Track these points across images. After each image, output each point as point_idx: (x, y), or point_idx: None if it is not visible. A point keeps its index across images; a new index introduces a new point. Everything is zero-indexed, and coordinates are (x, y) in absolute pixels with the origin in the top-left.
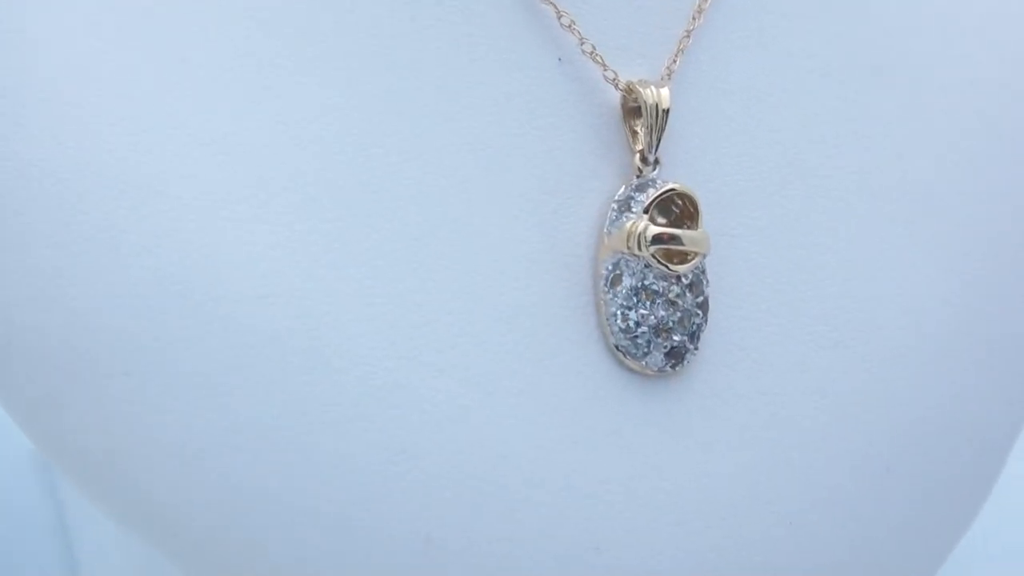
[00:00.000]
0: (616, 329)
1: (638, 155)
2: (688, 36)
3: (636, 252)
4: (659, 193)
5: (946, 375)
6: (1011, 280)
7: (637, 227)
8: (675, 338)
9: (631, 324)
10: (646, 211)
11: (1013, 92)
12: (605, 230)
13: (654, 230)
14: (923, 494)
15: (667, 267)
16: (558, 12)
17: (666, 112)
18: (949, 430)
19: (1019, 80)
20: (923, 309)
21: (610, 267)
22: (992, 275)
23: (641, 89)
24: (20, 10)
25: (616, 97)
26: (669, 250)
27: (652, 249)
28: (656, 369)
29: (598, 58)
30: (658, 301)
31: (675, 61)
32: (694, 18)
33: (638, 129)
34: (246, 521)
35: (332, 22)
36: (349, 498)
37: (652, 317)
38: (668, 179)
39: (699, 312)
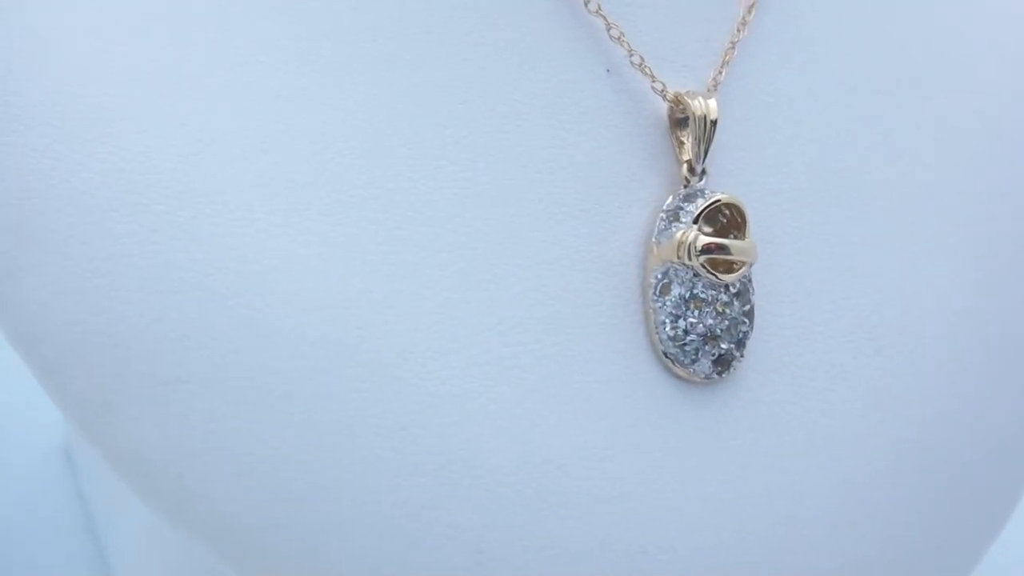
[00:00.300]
0: (665, 337)
1: (685, 165)
2: (733, 48)
3: (686, 262)
4: (708, 204)
5: (978, 376)
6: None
7: (687, 237)
8: (723, 346)
9: (680, 332)
10: (695, 221)
11: (1015, 92)
12: (654, 239)
13: (703, 240)
14: (958, 495)
15: (716, 276)
16: (608, 24)
17: (714, 123)
18: (981, 431)
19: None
20: (956, 312)
21: (659, 276)
22: (1014, 274)
23: (689, 100)
24: (46, 17)
25: (663, 108)
26: (716, 259)
27: (701, 259)
28: (703, 376)
29: (647, 69)
30: (707, 310)
31: (720, 72)
32: (738, 30)
33: (684, 139)
34: (302, 527)
35: (377, 23)
36: (405, 506)
37: (701, 325)
38: (715, 189)
39: (745, 320)
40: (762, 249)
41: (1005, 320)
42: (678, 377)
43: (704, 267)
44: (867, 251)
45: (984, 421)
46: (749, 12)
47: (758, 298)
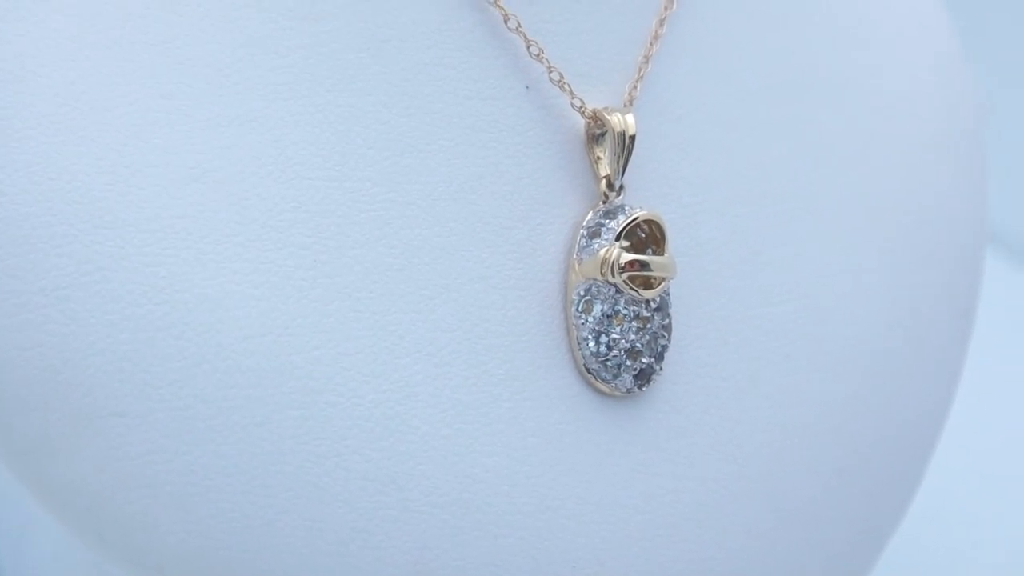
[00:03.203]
0: (588, 353)
1: (604, 181)
2: (647, 62)
3: (608, 279)
4: (629, 220)
5: (885, 380)
6: (941, 290)
7: (610, 255)
8: (644, 360)
9: (603, 348)
10: (617, 239)
11: (946, 102)
12: (575, 256)
13: (626, 257)
14: (867, 493)
15: (638, 292)
16: (527, 41)
17: (632, 138)
18: (887, 431)
19: (952, 91)
20: (866, 319)
21: (581, 292)
22: (926, 285)
23: (608, 116)
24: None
25: (582, 124)
26: (637, 275)
27: (624, 276)
28: (625, 391)
29: (565, 86)
30: (629, 325)
31: (636, 87)
32: (651, 44)
33: (602, 155)
34: (242, 555)
35: (301, 46)
36: (341, 531)
37: (623, 341)
38: (634, 204)
39: (665, 334)
40: (679, 262)
41: (913, 324)
42: (600, 392)
43: (627, 284)
44: (779, 260)
45: (894, 422)
46: (661, 26)
47: (675, 311)
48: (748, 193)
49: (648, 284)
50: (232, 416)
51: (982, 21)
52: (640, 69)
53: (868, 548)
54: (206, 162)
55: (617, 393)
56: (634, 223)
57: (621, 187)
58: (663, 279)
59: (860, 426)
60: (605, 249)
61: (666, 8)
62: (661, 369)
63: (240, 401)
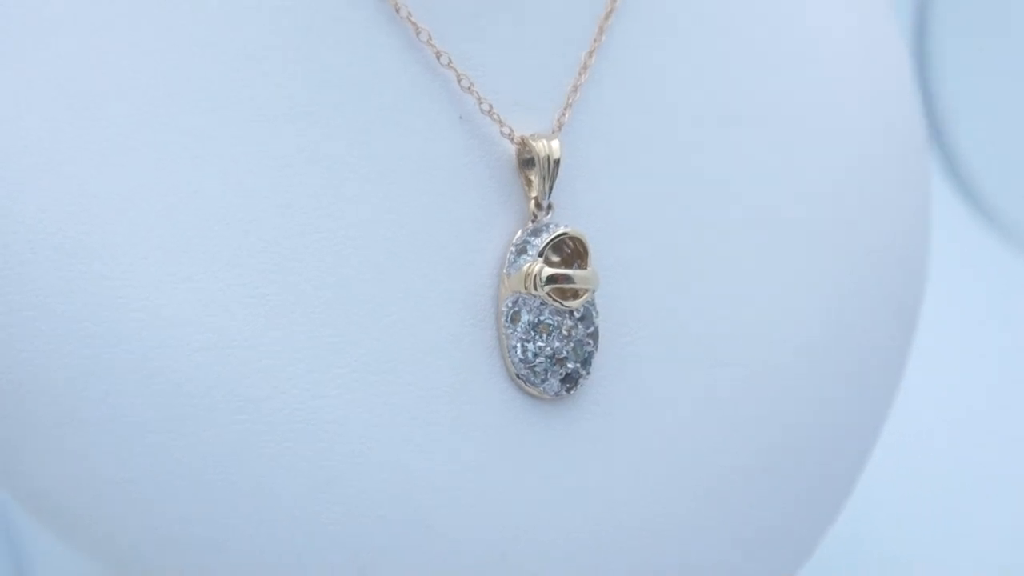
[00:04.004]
0: (516, 360)
1: (532, 202)
2: (576, 91)
3: (532, 292)
4: (552, 237)
5: (815, 384)
6: (869, 302)
7: (533, 269)
8: (569, 365)
9: (529, 355)
10: (540, 254)
11: (888, 116)
12: (505, 271)
13: (548, 271)
14: (798, 495)
15: (560, 303)
16: (458, 76)
17: (556, 162)
18: (819, 434)
19: (895, 104)
20: (793, 327)
21: (510, 304)
22: (853, 297)
23: (534, 142)
24: None
25: (512, 150)
26: (562, 288)
27: (546, 288)
28: (553, 394)
29: (495, 116)
30: (553, 334)
31: (564, 115)
32: (580, 74)
33: (532, 178)
34: (194, 553)
35: (251, 84)
36: (287, 529)
37: (548, 348)
38: (560, 223)
39: (590, 341)
40: (606, 276)
41: (849, 331)
42: (530, 395)
43: (550, 296)
44: (707, 272)
45: (826, 425)
46: (590, 57)
47: (603, 320)
48: (675, 211)
49: (575, 296)
50: (178, 424)
51: (984, 20)
52: (568, 98)
53: (797, 548)
54: (161, 190)
55: (546, 396)
56: (558, 239)
57: (550, 207)
58: (586, 291)
59: (791, 428)
60: (528, 264)
61: (595, 40)
62: (588, 374)
63: (190, 410)
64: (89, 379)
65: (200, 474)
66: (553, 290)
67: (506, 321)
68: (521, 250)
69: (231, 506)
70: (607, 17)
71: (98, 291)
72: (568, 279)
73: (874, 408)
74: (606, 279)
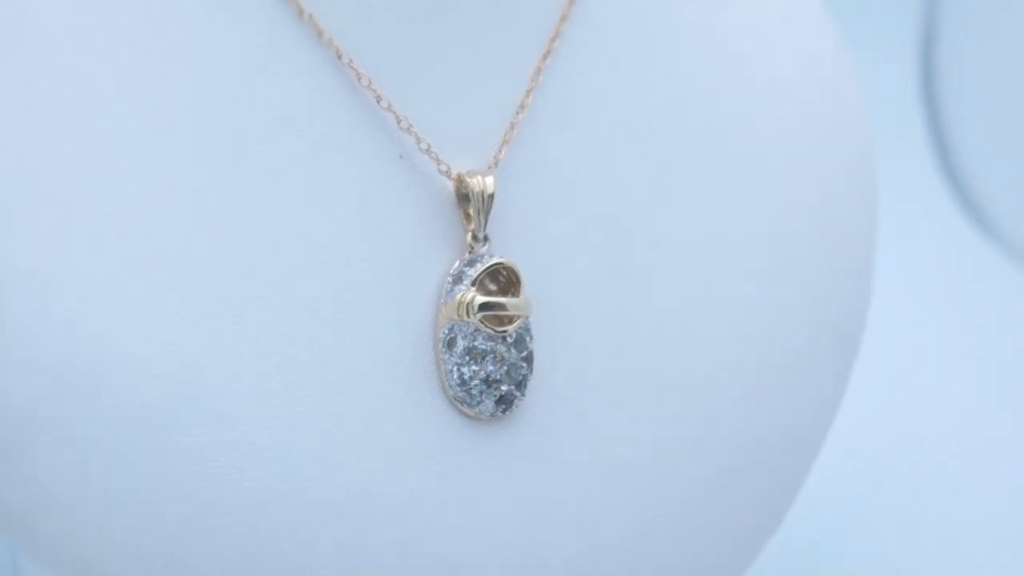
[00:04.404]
0: (453, 383)
1: (469, 234)
2: (513, 128)
3: (465, 319)
4: (485, 267)
5: (751, 404)
6: (810, 314)
7: (466, 298)
8: (503, 388)
9: (465, 379)
10: (474, 283)
11: (832, 130)
12: (442, 300)
13: (480, 299)
14: (737, 508)
15: (493, 330)
16: (397, 117)
17: (491, 196)
18: (756, 452)
19: (839, 116)
20: (730, 347)
21: (446, 331)
22: (793, 311)
23: (469, 179)
24: None
25: (450, 186)
26: (497, 315)
27: (479, 316)
28: (489, 414)
29: (433, 154)
30: (487, 358)
31: (501, 151)
32: (517, 112)
33: (470, 212)
34: (148, 560)
35: (194, 126)
36: (239, 541)
37: (482, 372)
38: (495, 254)
39: (524, 365)
40: (543, 303)
41: (792, 345)
42: (468, 416)
43: (482, 322)
44: (639, 297)
45: (767, 439)
46: (527, 96)
47: (539, 345)
48: (610, 239)
49: (510, 322)
50: (133, 445)
51: (988, 21)
52: (505, 135)
53: (737, 560)
54: (103, 220)
55: (482, 417)
56: (493, 269)
57: (486, 238)
58: (519, 317)
59: (727, 448)
60: (462, 293)
61: (532, 80)
62: (523, 395)
63: (147, 430)
64: (38, 406)
65: (151, 492)
66: (488, 317)
67: (443, 347)
68: (457, 280)
69: (184, 524)
70: (544, 58)
71: (50, 317)
72: (501, 307)
73: (814, 424)
74: (541, 306)
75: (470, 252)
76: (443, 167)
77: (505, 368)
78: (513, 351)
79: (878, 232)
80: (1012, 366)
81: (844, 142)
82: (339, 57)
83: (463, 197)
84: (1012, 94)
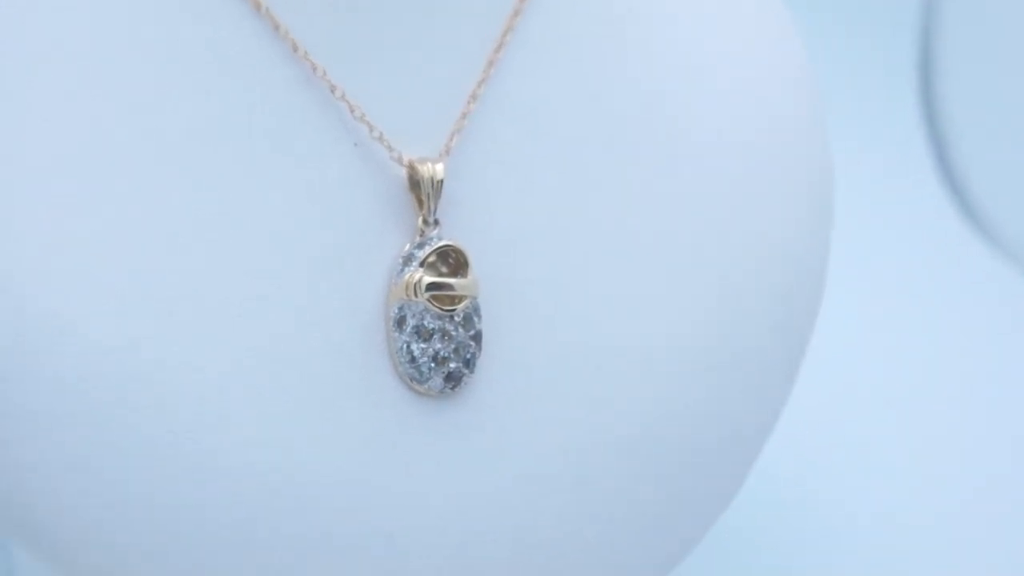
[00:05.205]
0: (403, 361)
1: (420, 219)
2: (464, 118)
3: (414, 298)
4: (433, 249)
5: (698, 385)
6: (760, 310)
7: (414, 278)
8: (451, 365)
9: (415, 356)
10: (421, 264)
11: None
12: (392, 282)
13: (428, 280)
14: (675, 498)
15: (440, 309)
16: (351, 107)
17: (440, 182)
18: (703, 432)
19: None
20: (677, 329)
21: (396, 311)
22: (743, 306)
23: (419, 166)
24: None
25: (403, 173)
26: (444, 295)
27: (427, 295)
28: (437, 391)
29: (385, 142)
30: (435, 336)
31: (452, 140)
32: (469, 103)
33: (421, 198)
34: (90, 531)
35: (150, 105)
36: (181, 507)
37: (431, 349)
38: (444, 237)
39: (472, 343)
40: (492, 284)
41: (726, 333)
42: (417, 392)
43: (429, 302)
44: (586, 280)
45: (710, 433)
46: (479, 87)
47: (488, 325)
48: (557, 222)
49: (459, 302)
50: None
51: (990, 22)
52: (457, 124)
53: (676, 546)
54: (71, 205)
55: (432, 393)
56: (443, 251)
57: (436, 222)
58: (466, 297)
59: (673, 427)
60: (410, 274)
61: (484, 72)
62: (471, 372)
63: (93, 405)
64: (14, 389)
65: (104, 461)
66: (436, 297)
67: (393, 325)
68: (407, 261)
69: (127, 495)
70: (497, 51)
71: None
72: (448, 287)
73: (758, 418)
74: (491, 288)
75: (421, 236)
76: (395, 155)
77: (453, 346)
78: (461, 330)
79: (833, 232)
80: (1012, 370)
81: (800, 138)
82: (295, 50)
83: (415, 183)
84: (1012, 96)
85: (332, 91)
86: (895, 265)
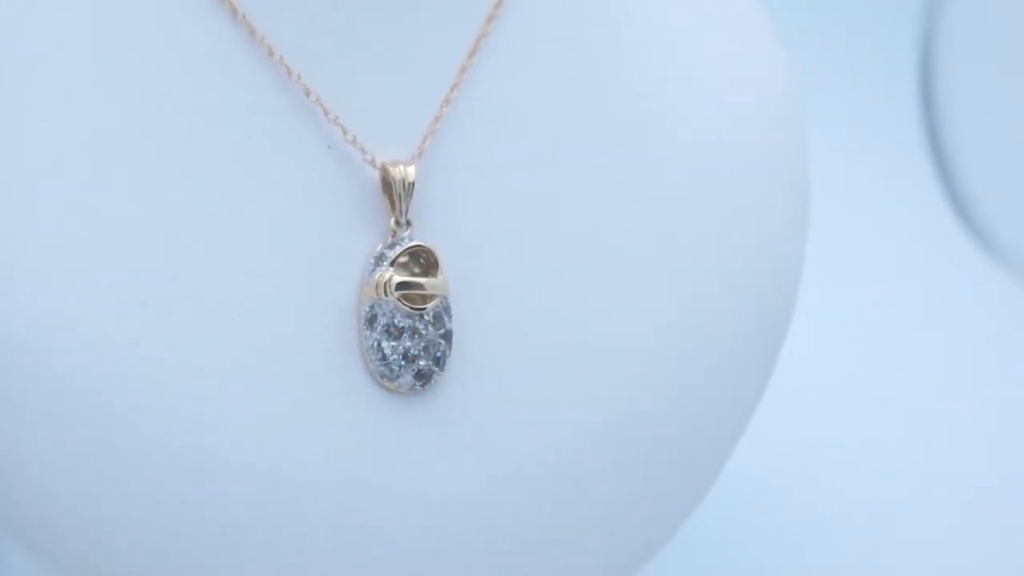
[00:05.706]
0: (374, 358)
1: (392, 220)
2: (436, 121)
3: (384, 297)
4: (403, 249)
5: (669, 382)
6: (735, 310)
7: (384, 277)
8: (421, 363)
9: (385, 353)
10: (392, 264)
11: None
12: (364, 281)
13: (397, 279)
14: (646, 495)
15: (410, 307)
16: (324, 110)
17: (412, 184)
18: (675, 430)
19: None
20: (649, 328)
21: (367, 310)
22: (715, 302)
23: (391, 168)
24: None
25: (375, 175)
26: (415, 294)
27: (397, 294)
28: (408, 388)
29: (358, 145)
30: (405, 335)
31: (424, 143)
32: (442, 107)
33: (395, 199)
34: (82, 523)
35: (130, 107)
36: (166, 500)
37: (401, 347)
38: (415, 238)
39: (442, 342)
40: (463, 284)
41: (699, 331)
42: (388, 390)
43: (400, 301)
44: (564, 280)
45: (678, 422)
46: (452, 91)
47: (459, 324)
48: (529, 223)
49: (429, 301)
50: (63, 418)
51: (990, 23)
52: (429, 127)
53: (641, 547)
54: (52, 206)
55: (402, 391)
56: (414, 251)
57: (408, 223)
58: (436, 296)
59: (644, 426)
60: (380, 273)
61: (458, 76)
62: (441, 371)
63: (80, 396)
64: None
65: (88, 455)
66: (406, 296)
67: (365, 324)
68: (379, 261)
69: (114, 488)
70: (471, 56)
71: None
72: (419, 286)
73: (731, 417)
74: (464, 287)
75: (392, 236)
76: (368, 157)
77: (423, 344)
78: (431, 328)
79: (809, 232)
80: (1008, 374)
81: (779, 138)
82: (270, 54)
83: (387, 185)
84: (1012, 98)
85: (307, 95)
86: (891, 266)
